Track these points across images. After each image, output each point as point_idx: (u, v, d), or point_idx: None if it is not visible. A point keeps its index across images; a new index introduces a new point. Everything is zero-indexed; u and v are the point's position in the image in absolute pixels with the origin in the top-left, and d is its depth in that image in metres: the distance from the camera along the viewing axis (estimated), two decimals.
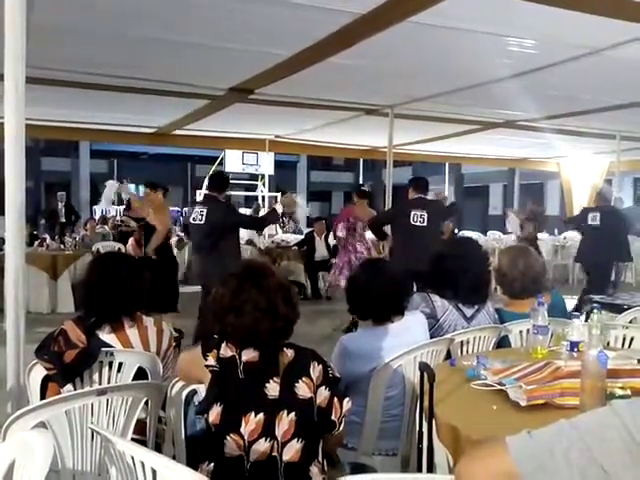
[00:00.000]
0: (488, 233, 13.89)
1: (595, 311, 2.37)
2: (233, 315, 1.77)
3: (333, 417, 1.80)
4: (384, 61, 4.76)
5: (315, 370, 1.81)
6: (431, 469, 1.83)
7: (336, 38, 4.03)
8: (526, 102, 5.97)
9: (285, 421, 1.72)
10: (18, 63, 2.19)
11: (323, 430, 1.81)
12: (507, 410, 1.81)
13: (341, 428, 1.84)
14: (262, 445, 1.70)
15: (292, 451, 1.72)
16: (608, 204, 7.25)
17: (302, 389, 1.76)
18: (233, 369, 1.76)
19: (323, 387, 1.80)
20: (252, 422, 1.70)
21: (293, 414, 1.73)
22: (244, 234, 10.72)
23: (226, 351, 1.79)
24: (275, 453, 1.71)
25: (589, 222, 6.94)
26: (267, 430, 1.70)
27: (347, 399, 1.84)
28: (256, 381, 1.75)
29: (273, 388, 1.75)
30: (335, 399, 1.81)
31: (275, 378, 1.76)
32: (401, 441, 2.41)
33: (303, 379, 1.77)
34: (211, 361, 1.77)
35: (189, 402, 2.11)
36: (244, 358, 1.77)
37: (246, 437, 1.69)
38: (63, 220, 10.90)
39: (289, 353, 1.82)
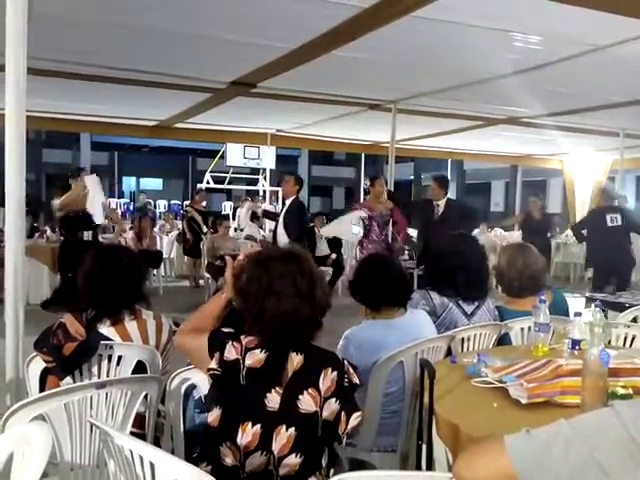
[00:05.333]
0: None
1: (596, 310, 2.36)
2: (274, 299, 1.64)
3: (339, 431, 1.67)
4: (387, 55, 4.74)
5: (327, 379, 1.67)
6: (430, 466, 1.83)
7: (339, 31, 4.01)
8: (530, 98, 5.94)
9: (283, 436, 1.62)
10: (19, 54, 2.18)
11: (328, 442, 1.71)
12: (507, 408, 1.80)
13: (344, 442, 1.73)
14: (258, 459, 1.61)
15: (289, 466, 1.63)
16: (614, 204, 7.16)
17: (306, 402, 1.64)
18: (235, 373, 1.65)
19: (333, 399, 1.66)
20: (249, 433, 1.61)
21: (293, 429, 1.62)
22: (246, 229, 10.72)
23: (230, 353, 1.67)
24: (271, 467, 1.62)
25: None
26: (263, 443, 1.61)
27: (357, 414, 1.69)
28: (257, 389, 1.65)
29: (273, 399, 1.63)
30: (343, 413, 1.67)
31: (277, 388, 1.64)
32: (400, 438, 2.40)
33: (309, 391, 1.64)
34: (214, 364, 1.67)
35: (188, 396, 2.10)
36: (248, 362, 1.66)
37: (242, 449, 1.61)
38: None
39: (296, 360, 1.68)
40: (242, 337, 1.70)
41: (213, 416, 1.66)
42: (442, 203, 6.34)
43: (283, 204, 6.72)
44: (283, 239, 6.39)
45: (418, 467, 1.89)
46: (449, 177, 19.12)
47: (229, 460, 1.63)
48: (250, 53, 4.76)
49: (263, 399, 1.63)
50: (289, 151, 21.61)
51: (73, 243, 6.01)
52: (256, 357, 1.66)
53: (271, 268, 1.69)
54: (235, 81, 5.81)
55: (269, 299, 1.65)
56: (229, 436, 1.63)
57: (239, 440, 1.61)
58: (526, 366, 2.04)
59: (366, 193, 6.04)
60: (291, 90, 6.15)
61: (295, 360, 1.68)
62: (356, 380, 1.74)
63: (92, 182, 6.12)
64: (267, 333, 1.68)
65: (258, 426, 1.62)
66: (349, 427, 1.68)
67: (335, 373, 1.68)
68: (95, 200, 6.11)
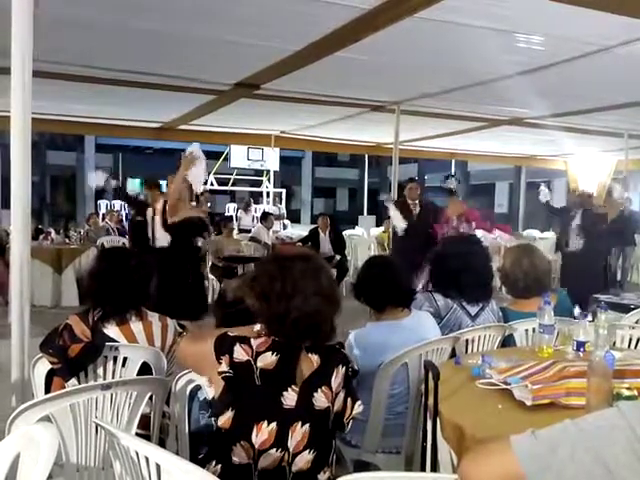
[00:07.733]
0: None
1: (601, 311, 2.36)
2: (300, 298, 1.63)
3: (344, 419, 1.72)
4: (390, 57, 4.74)
5: (338, 376, 1.70)
6: (435, 467, 1.83)
7: (343, 33, 4.02)
8: (534, 99, 5.94)
9: (299, 432, 1.63)
10: (25, 57, 2.19)
11: (334, 432, 1.74)
12: (512, 409, 1.80)
13: (348, 429, 1.75)
14: (272, 455, 1.61)
15: (303, 462, 1.64)
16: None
17: (320, 399, 1.66)
18: (249, 375, 1.62)
19: (342, 392, 1.71)
20: (264, 431, 1.61)
21: (308, 425, 1.64)
22: (253, 230, 10.70)
23: (241, 354, 1.63)
24: (285, 463, 1.63)
25: None
26: (279, 440, 1.62)
27: (359, 402, 1.74)
28: (273, 389, 1.64)
29: (290, 397, 1.64)
30: (348, 399, 1.72)
31: (294, 387, 1.64)
32: (405, 439, 2.40)
33: (322, 388, 1.66)
34: (224, 367, 1.63)
35: (193, 397, 2.11)
36: (260, 364, 1.63)
37: (257, 446, 1.61)
38: None
39: (314, 359, 1.68)
40: (252, 340, 1.66)
41: (224, 419, 1.63)
42: (417, 202, 6.48)
43: None
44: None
45: (423, 468, 1.89)
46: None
47: (242, 458, 1.62)
48: (254, 55, 4.77)
49: (280, 397, 1.63)
50: (293, 152, 21.60)
51: (185, 250, 5.54)
52: (267, 360, 1.64)
53: (293, 268, 1.68)
54: (239, 83, 5.82)
55: (294, 299, 1.63)
56: (243, 435, 1.62)
57: (254, 439, 1.61)
58: (531, 367, 2.03)
59: (452, 194, 5.83)
60: (295, 92, 6.16)
61: (312, 360, 1.68)
62: (356, 366, 1.79)
63: (197, 150, 5.63)
64: (289, 333, 1.66)
65: (274, 424, 1.62)
66: (353, 413, 1.72)
67: (344, 368, 1.72)
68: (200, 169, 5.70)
